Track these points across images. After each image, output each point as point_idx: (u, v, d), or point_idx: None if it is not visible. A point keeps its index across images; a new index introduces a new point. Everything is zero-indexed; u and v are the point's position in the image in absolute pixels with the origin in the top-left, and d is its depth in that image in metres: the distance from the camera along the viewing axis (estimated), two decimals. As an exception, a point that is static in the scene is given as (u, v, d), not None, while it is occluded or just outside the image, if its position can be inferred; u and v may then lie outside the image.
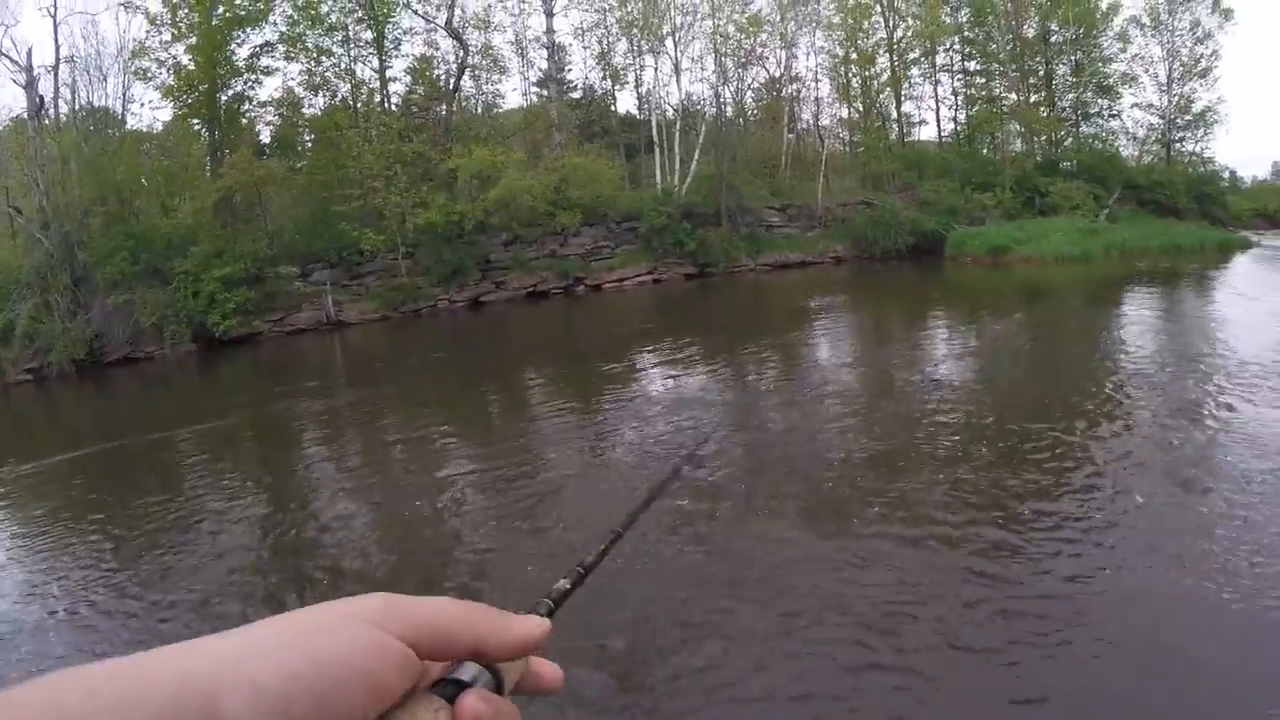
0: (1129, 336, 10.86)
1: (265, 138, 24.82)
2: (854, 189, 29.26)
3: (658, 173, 26.13)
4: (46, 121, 24.17)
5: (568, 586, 0.47)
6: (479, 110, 27.27)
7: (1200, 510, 4.60)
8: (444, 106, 24.84)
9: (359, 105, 23.86)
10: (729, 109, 27.95)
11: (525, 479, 6.95)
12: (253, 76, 23.62)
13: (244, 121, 23.86)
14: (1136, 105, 35.18)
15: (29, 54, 24.02)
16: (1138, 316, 12.75)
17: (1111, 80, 33.89)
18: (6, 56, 24.08)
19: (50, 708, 0.26)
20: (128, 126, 24.45)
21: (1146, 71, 34.55)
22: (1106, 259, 21.99)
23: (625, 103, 36.24)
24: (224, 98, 23.20)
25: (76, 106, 24.67)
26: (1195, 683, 3.08)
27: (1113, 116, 34.94)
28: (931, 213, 27.09)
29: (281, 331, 21.10)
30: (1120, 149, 34.99)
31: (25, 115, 24.35)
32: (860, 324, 15.42)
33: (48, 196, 22.03)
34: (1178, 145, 35.84)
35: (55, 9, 23.73)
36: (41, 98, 24.28)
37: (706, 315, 19.07)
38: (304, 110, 24.59)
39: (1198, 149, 36.04)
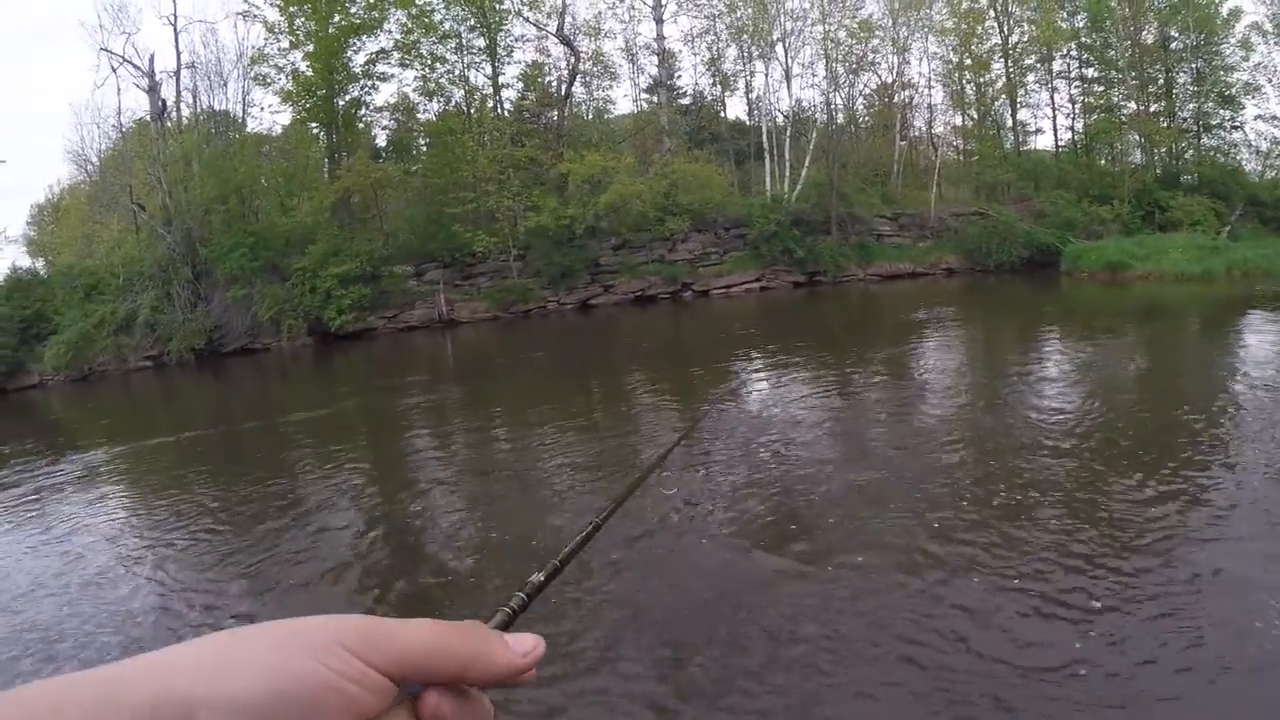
0: (1249, 367, 9.77)
1: (381, 141, 25.19)
2: (967, 199, 28.13)
3: (767, 179, 25.52)
4: (169, 124, 24.99)
5: (541, 579, 0.46)
6: (590, 116, 27.22)
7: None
8: (556, 112, 24.80)
9: (472, 110, 23.98)
10: (840, 115, 27.17)
11: (612, 477, 6.98)
12: (369, 82, 23.98)
13: (360, 126, 24.21)
14: (1260, 117, 33.15)
15: (151, 60, 24.92)
16: (1260, 345, 11.56)
17: (1234, 90, 32.03)
18: (130, 63, 25.04)
19: None
20: (248, 129, 25.07)
21: (1270, 81, 32.55)
22: (1228, 279, 20.45)
23: (735, 109, 35.62)
24: (341, 102, 23.55)
25: (198, 110, 25.47)
26: None
27: (1235, 128, 32.97)
28: (1047, 225, 25.81)
29: (395, 328, 21.17)
30: (1243, 163, 33.02)
31: (149, 118, 25.23)
32: (970, 340, 14.57)
33: (170, 195, 22.65)
34: None
35: (175, 17, 24.57)
36: (164, 101, 25.13)
37: (813, 324, 18.44)
38: (419, 115, 24.88)
39: None
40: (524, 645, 0.38)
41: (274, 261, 21.28)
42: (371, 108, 24.43)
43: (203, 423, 16.36)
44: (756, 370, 12.01)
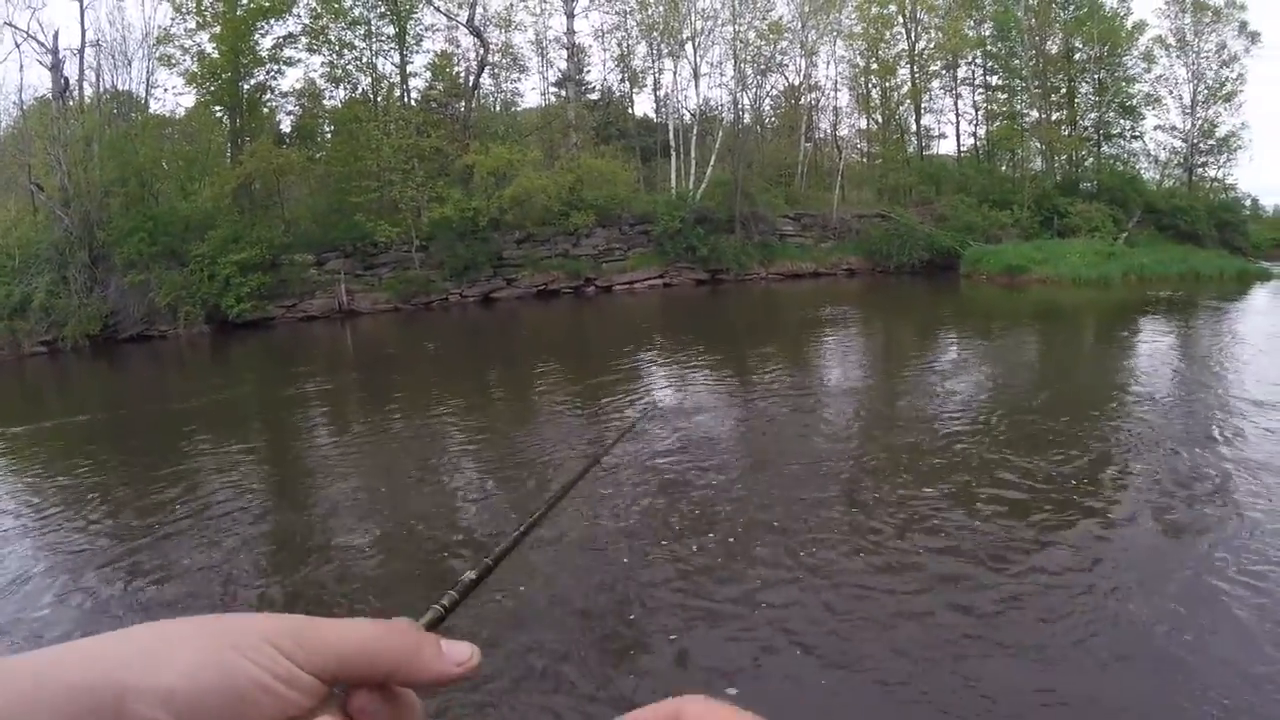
0: (1141, 364, 10.77)
1: (286, 127, 25.05)
2: (870, 201, 29.19)
3: (673, 177, 26.18)
4: (71, 103, 24.50)
5: (474, 577, 0.47)
6: (497, 108, 27.43)
7: (1195, 533, 4.69)
8: (463, 103, 25.01)
9: (379, 99, 24.07)
10: (746, 115, 27.97)
11: (513, 467, 7.17)
12: (275, 67, 23.86)
13: (265, 110, 24.09)
14: (1159, 127, 34.94)
15: (55, 36, 24.37)
16: (1152, 345, 12.61)
17: (1135, 101, 33.65)
18: (34, 39, 24.43)
19: None
20: (150, 111, 24.71)
21: (1170, 93, 34.30)
22: (1124, 284, 21.70)
23: (643, 105, 36.39)
24: (246, 86, 23.41)
25: (101, 89, 24.96)
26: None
27: (1135, 138, 34.70)
28: (948, 228, 26.97)
29: (294, 317, 21.31)
30: (1141, 171, 34.70)
31: (50, 96, 24.70)
32: (869, 338, 15.40)
33: (69, 175, 22.31)
34: (1200, 170, 35.54)
35: (83, -8, 24.00)
36: (66, 79, 24.61)
37: (716, 321, 19.07)
38: (325, 102, 24.84)
39: (1220, 174, 35.76)
40: (459, 654, 0.38)
41: (173, 247, 21.19)
42: (277, 93, 24.36)
43: (94, 408, 16.44)
44: (659, 366, 12.53)
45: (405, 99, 24.60)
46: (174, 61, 23.69)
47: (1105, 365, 11.12)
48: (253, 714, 0.31)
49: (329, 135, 24.82)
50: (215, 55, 22.96)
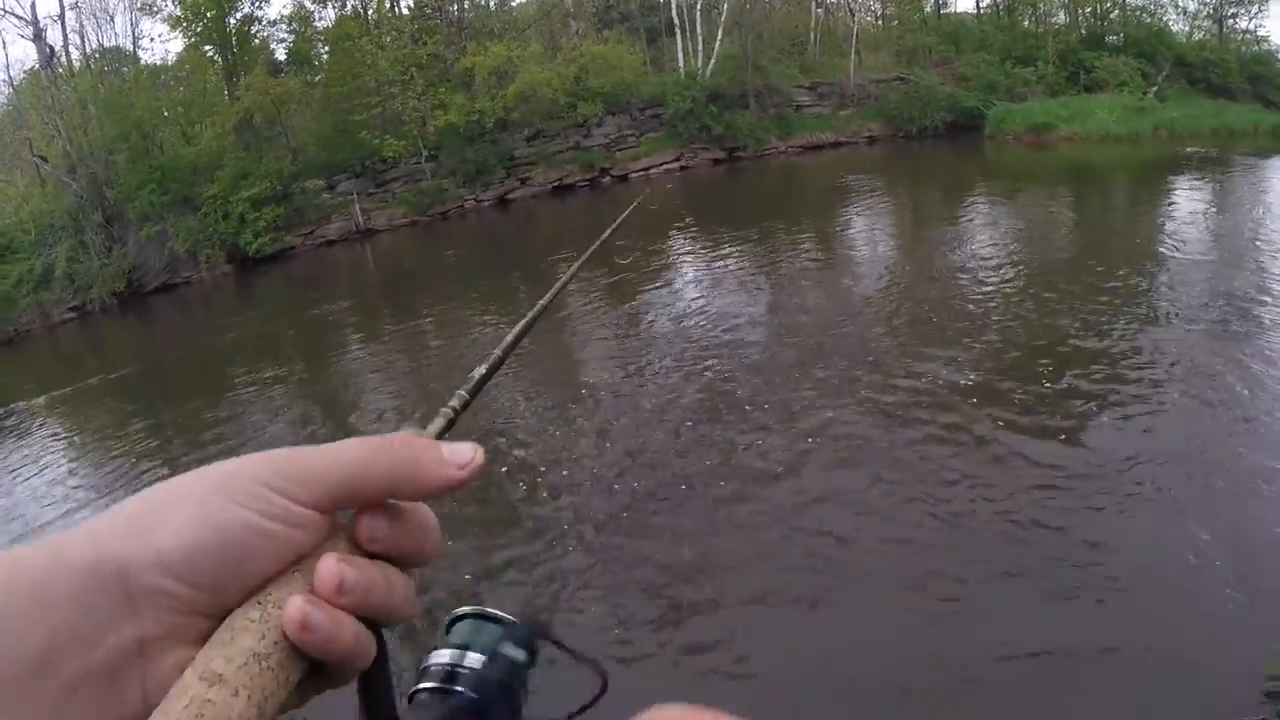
0: (1177, 226, 10.00)
1: (281, 55, 24.40)
2: (887, 65, 27.79)
3: (680, 56, 25.07)
4: (60, 69, 24.12)
5: (484, 371, 0.46)
6: (492, 5, 26.49)
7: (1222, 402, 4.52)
8: (455, 5, 24.10)
9: (369, 12, 23.25)
10: (752, -15, 26.56)
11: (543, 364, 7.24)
12: (259, -4, 23.12)
13: (256, 42, 23.43)
14: (1186, -24, 32.68)
15: (33, 7, 24.06)
16: (1188, 204, 11.70)
17: (1163, -52, 31.47)
18: (11, 14, 24.01)
19: None
20: (142, 63, 24.21)
21: (1200, -61, 32.01)
22: (1154, 140, 20.46)
23: None
24: (233, 21, 22.72)
25: (87, 51, 24.55)
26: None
27: (1162, -12, 32.54)
28: (970, 89, 25.64)
29: (313, 244, 20.97)
30: (1169, 24, 32.61)
31: (38, 66, 24.33)
32: (892, 206, 14.71)
33: (70, 141, 22.00)
34: (1230, 22, 33.31)
35: (54, -43, 23.48)
36: (51, 47, 24.19)
37: (735, 200, 18.44)
38: (315, 24, 24.10)
39: (1252, 26, 33.50)
40: (461, 455, 0.35)
41: (184, 193, 20.87)
42: (265, 22, 23.66)
43: (131, 362, 16.49)
44: (681, 249, 12.08)
45: (395, 8, 23.74)
46: (155, 9, 23.08)
47: (1139, 227, 10.44)
48: (254, 559, 0.31)
49: (325, 58, 24.09)
50: (196, -5, 22.31)
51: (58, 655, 0.26)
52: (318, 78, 23.18)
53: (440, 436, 0.39)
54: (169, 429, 9.14)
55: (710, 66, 24.34)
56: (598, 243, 0.80)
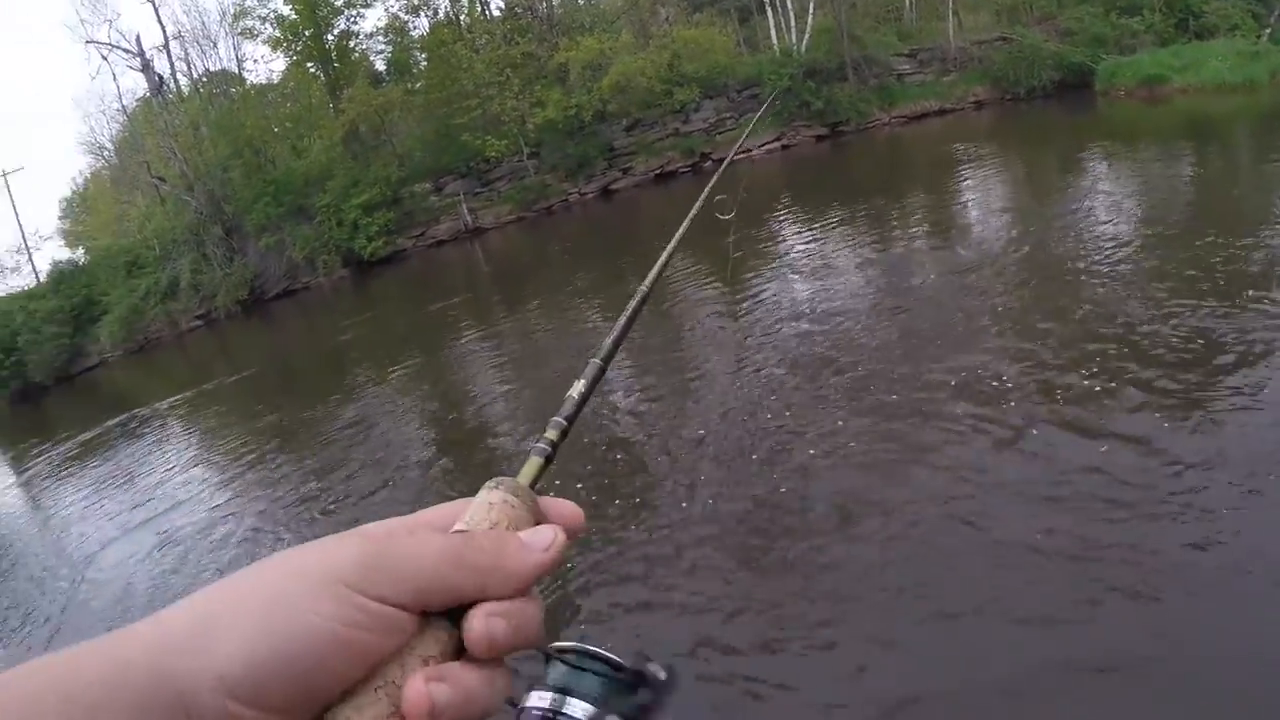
0: None
1: (380, 66, 24.91)
2: (988, 25, 26.57)
3: (773, 33, 24.44)
4: (170, 95, 25.16)
5: (584, 390, 0.44)
6: (580, 0, 26.41)
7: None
8: (545, 2, 24.11)
9: (462, 18, 23.48)
10: (841, -47, 25.72)
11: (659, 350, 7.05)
12: (353, 12, 23.61)
13: (355, 56, 23.97)
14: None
15: (138, 40, 24.96)
16: None
17: None
18: (118, 48, 25.09)
19: (29, 713, 0.25)
20: (247, 83, 25.07)
21: None
22: (1272, 86, 18.82)
23: None
24: (330, 37, 23.28)
25: (194, 76, 25.59)
26: None
27: (1272, -79, 30.19)
28: (1076, 43, 24.24)
29: (424, 245, 21.35)
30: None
31: (149, 94, 25.43)
32: (1008, 176, 13.79)
33: (186, 162, 22.93)
34: None
35: (150, -7, 24.36)
36: (160, 75, 25.29)
37: (841, 177, 17.76)
38: (410, 33, 24.47)
39: None
40: (542, 538, 0.34)
41: (298, 204, 21.50)
42: (362, 35, 24.17)
43: (257, 362, 17.10)
44: (786, 230, 11.64)
45: (486, 11, 23.93)
46: (255, 32, 23.85)
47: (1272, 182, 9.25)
48: (328, 672, 0.28)
49: (423, 65, 24.44)
50: (293, 16, 22.90)
51: None
52: (417, 85, 23.53)
53: (535, 480, 0.37)
54: (294, 424, 9.46)
55: (805, 41, 23.66)
56: (665, 256, 0.75)
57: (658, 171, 21.85)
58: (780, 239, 11.23)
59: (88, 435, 15.27)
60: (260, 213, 21.39)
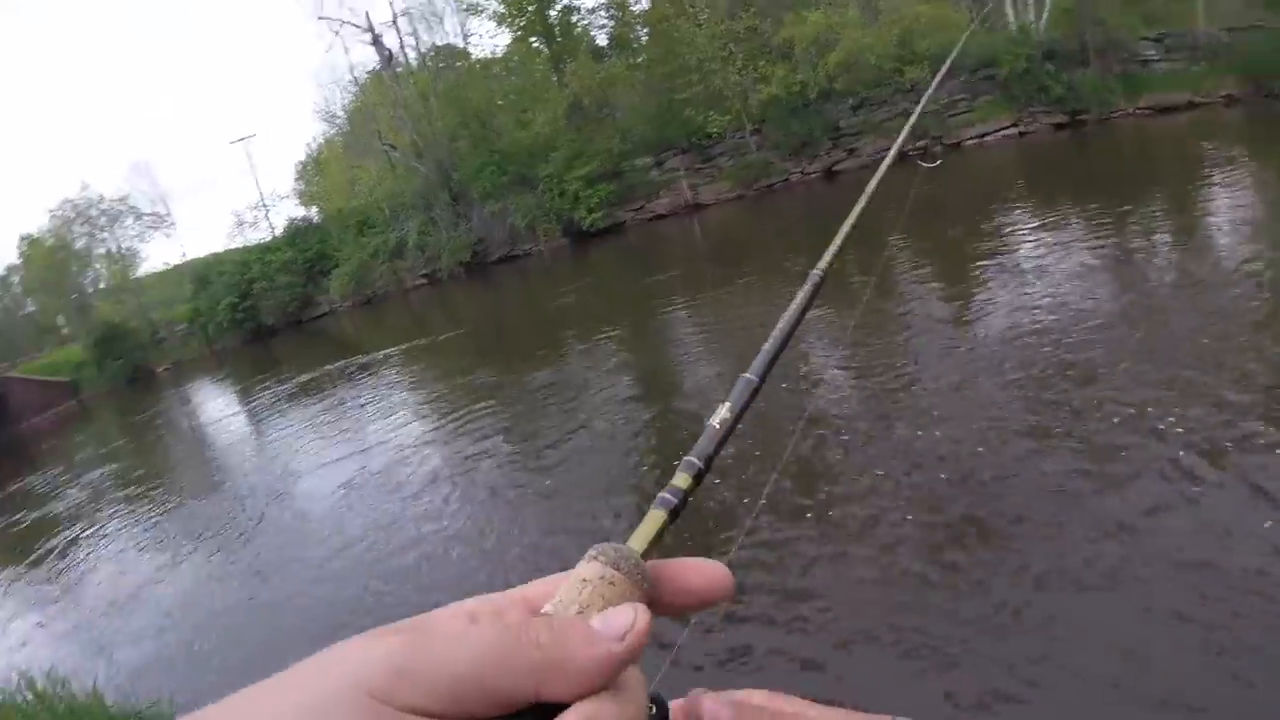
0: None
1: (602, 41, 25.40)
2: (1239, 10, 24.19)
3: (1009, 10, 23.19)
4: (399, 68, 26.61)
5: (729, 419, 0.37)
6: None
7: None
8: (769, -24, 23.83)
9: (684, -9, 23.54)
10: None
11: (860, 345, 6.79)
12: (576, -15, 24.17)
13: (577, 30, 24.53)
14: None
15: (367, 16, 26.50)
16: None
17: None
18: (349, 24, 26.72)
19: None
20: (473, 57, 26.18)
21: None
22: None
23: None
24: (553, 12, 23.93)
25: (422, 50, 26.94)
26: None
27: None
28: None
29: (643, 219, 21.58)
30: None
31: (379, 67, 27.02)
32: (1262, 188, 11.99)
33: (416, 131, 24.17)
34: None
35: (382, -29, 25.79)
36: (389, 50, 26.75)
37: (1077, 172, 16.44)
38: (632, 8, 24.84)
39: None
40: (617, 625, 0.28)
41: (521, 173, 22.27)
42: (584, 10, 24.73)
43: (476, 321, 17.85)
44: (1015, 221, 10.76)
45: (710, -15, 23.87)
46: (480, 8, 24.83)
47: None
48: None
49: (645, 39, 24.77)
50: (517, -9, 23.69)
51: None
52: (639, 59, 23.83)
53: (655, 541, 0.32)
54: (499, 381, 10.00)
55: (1044, 19, 22.32)
56: (839, 240, 0.66)
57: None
58: (1005, 231, 10.43)
59: (307, 376, 16.47)
60: (485, 181, 22.30)
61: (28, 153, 69.30)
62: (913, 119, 1.75)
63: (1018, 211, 11.80)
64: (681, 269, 15.34)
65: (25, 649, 7.17)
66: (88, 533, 11.00)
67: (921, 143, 21.23)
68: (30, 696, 4.65)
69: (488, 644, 0.27)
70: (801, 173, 21.22)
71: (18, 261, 31.42)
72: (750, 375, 0.40)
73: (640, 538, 0.32)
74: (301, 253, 24.89)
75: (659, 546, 0.32)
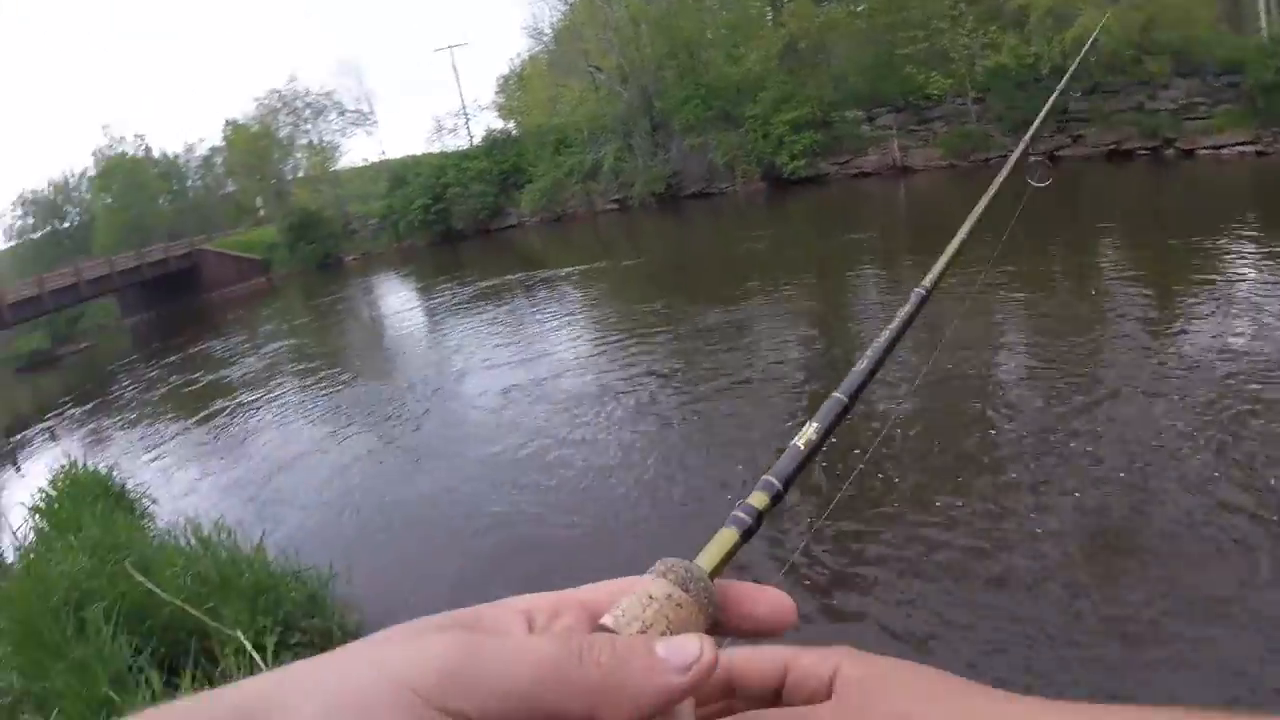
0: None
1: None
2: None
3: (1261, 13, 21.68)
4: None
5: (815, 439, 0.36)
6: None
7: None
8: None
9: (917, -61, 22.82)
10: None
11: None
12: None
13: (799, -30, 24.18)
14: None
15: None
16: None
17: None
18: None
19: None
20: (687, -15, 26.16)
21: None
22: None
23: None
24: (777, -51, 23.64)
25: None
26: None
27: None
28: None
29: (847, 174, 21.50)
30: None
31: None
32: None
33: (623, 55, 24.57)
34: None
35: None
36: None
37: None
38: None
39: None
40: (684, 654, 0.27)
41: (726, 110, 22.44)
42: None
43: (658, 253, 18.38)
44: (1239, 250, 9.33)
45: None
46: (700, -64, 24.74)
47: None
48: None
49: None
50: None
51: None
52: (860, 7, 23.35)
53: (724, 562, 0.31)
54: (671, 315, 10.22)
55: (1306, 28, 20.75)
56: (956, 243, 0.69)
57: (1111, 147, 20.29)
58: (1230, 255, 9.24)
59: (488, 283, 17.40)
60: (688, 113, 22.62)
61: (238, 42, 73.36)
62: (1046, 110, 1.61)
63: (1246, 237, 10.28)
64: (881, 233, 15.26)
65: (188, 498, 7.48)
66: (258, 399, 11.74)
67: (1153, 143, 20.41)
68: (194, 541, 4.77)
69: (547, 658, 0.26)
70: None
71: (221, 144, 33.87)
72: (840, 395, 0.39)
73: (709, 556, 0.32)
74: (497, 164, 25.98)
75: (727, 567, 0.32)
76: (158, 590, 3.88)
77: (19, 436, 15.56)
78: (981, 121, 20.86)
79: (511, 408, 7.85)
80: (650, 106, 23.80)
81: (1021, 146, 1.32)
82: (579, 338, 10.42)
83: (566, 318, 12.21)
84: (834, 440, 0.37)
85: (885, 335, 0.46)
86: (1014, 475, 4.60)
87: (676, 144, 23.11)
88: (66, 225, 35.41)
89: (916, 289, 0.53)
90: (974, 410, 5.56)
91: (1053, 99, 2.03)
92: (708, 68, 23.97)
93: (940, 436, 5.18)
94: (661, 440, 6.24)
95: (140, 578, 3.96)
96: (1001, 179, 0.92)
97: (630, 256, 18.36)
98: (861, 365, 0.42)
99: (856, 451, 4.70)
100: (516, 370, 9.25)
